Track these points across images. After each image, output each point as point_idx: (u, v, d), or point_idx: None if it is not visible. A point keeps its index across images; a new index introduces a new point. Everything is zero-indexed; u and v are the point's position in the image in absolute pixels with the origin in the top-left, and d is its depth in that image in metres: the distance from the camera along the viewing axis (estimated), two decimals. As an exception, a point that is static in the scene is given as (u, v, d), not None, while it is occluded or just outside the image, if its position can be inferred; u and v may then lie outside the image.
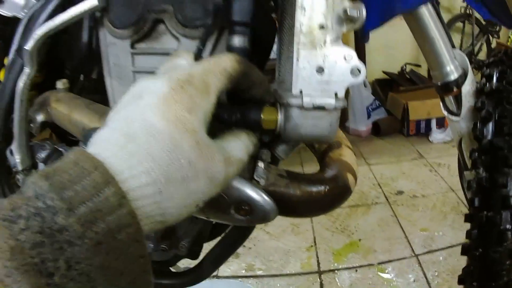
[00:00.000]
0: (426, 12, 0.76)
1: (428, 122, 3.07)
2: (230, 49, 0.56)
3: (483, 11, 0.86)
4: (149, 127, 0.33)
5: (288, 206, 0.54)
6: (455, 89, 0.79)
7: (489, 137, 0.75)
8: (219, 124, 0.44)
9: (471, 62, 0.75)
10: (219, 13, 0.59)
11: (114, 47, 0.66)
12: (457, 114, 0.83)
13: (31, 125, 0.75)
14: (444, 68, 0.79)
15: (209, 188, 0.36)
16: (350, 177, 0.59)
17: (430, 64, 0.81)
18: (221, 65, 0.40)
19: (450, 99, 0.83)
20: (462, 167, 0.87)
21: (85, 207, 0.27)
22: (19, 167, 0.77)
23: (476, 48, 4.14)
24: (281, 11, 0.60)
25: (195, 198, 0.35)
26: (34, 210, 0.26)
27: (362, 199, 2.17)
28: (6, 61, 0.88)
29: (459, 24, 4.05)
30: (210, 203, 0.38)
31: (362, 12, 0.45)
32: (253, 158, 0.52)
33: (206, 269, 0.83)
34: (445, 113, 0.86)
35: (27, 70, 0.71)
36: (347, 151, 0.64)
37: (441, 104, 0.87)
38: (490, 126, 0.75)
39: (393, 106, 3.26)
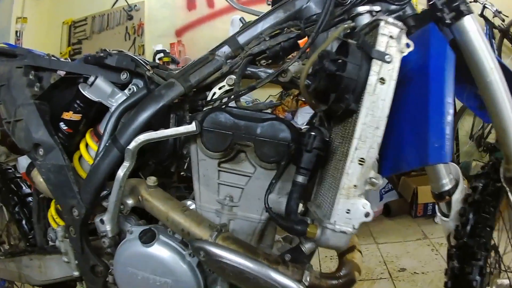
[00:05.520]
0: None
1: (435, 204, 3.08)
2: (294, 183, 0.78)
3: (486, 117, 0.94)
4: None
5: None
6: (447, 197, 0.98)
7: (464, 238, 0.93)
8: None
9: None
10: (287, 155, 0.80)
11: (204, 162, 0.85)
12: (447, 216, 1.00)
13: (122, 206, 0.93)
14: (441, 182, 0.97)
15: None
16: (356, 273, 0.92)
17: (429, 178, 0.99)
18: None
19: (443, 204, 1.02)
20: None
21: None
22: (109, 234, 0.96)
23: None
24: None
25: None
26: None
27: (368, 274, 2.38)
28: (87, 135, 1.04)
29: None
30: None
31: (380, 181, 0.71)
32: (302, 269, 0.81)
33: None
34: (438, 214, 1.04)
35: (127, 164, 0.89)
36: (357, 254, 0.97)
37: (436, 207, 1.05)
38: (467, 229, 0.93)
39: (404, 189, 3.40)
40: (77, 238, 1.02)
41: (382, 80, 0.68)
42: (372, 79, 0.69)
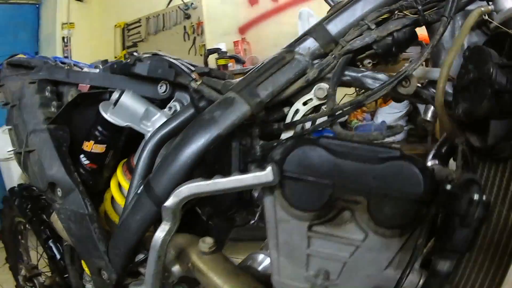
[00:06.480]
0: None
1: None
2: (434, 272, 0.50)
3: None
4: None
5: None
6: None
7: None
8: None
9: None
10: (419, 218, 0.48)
11: (287, 224, 0.54)
12: None
13: (166, 274, 0.65)
14: None
15: None
16: None
17: None
18: None
19: None
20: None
21: None
22: (148, 315, 0.68)
23: None
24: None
25: None
26: None
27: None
28: (119, 170, 0.77)
29: None
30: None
31: None
32: None
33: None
34: None
35: (166, 226, 0.59)
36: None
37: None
38: None
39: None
40: (109, 309, 0.75)
41: None
42: None
